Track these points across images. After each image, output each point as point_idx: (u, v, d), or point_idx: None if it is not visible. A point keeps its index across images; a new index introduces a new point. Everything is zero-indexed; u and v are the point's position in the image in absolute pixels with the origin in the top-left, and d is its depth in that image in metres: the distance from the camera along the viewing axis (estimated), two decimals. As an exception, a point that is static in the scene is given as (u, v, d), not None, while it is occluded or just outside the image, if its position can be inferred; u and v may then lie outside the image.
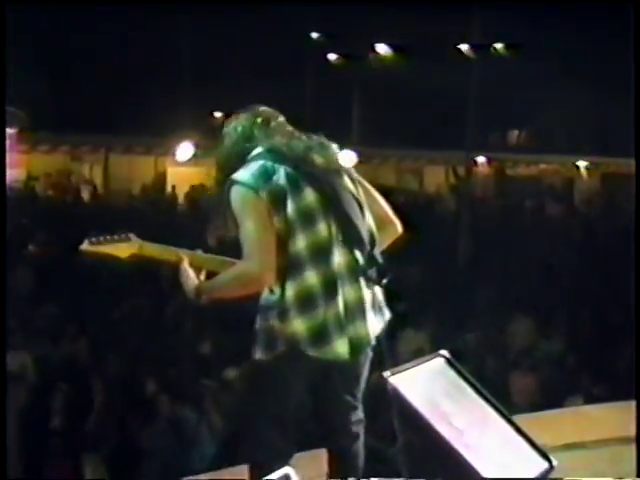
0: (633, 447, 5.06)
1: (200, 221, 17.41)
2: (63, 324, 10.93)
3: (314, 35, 23.94)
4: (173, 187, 22.92)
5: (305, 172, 3.39)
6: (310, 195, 3.38)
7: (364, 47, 23.56)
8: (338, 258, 3.36)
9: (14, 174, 23.07)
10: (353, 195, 3.45)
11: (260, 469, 3.25)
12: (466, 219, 17.87)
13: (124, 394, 8.94)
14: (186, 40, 21.71)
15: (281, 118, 3.66)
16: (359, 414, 3.62)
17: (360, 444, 3.62)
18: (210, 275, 3.59)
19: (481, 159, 24.90)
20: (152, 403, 8.51)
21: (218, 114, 25.57)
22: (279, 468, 3.05)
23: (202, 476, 4.57)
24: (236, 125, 3.62)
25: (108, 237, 3.61)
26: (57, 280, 12.77)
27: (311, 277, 3.32)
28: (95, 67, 21.11)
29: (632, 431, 5.24)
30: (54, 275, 13.07)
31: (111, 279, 13.12)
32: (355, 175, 3.54)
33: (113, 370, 9.43)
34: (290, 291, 3.32)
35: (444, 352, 4.63)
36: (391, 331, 3.65)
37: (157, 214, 18.59)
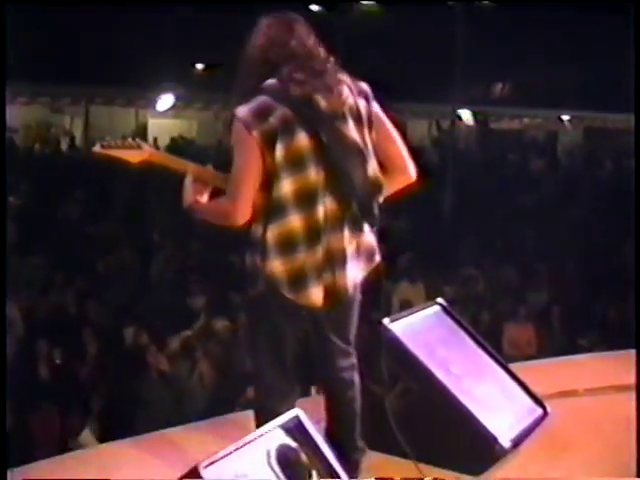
0: (626, 395, 5.10)
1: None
2: (49, 275, 10.90)
3: (297, -15, 23.72)
4: (155, 139, 22.76)
5: (304, 115, 3.30)
6: (303, 140, 3.29)
7: (347, -2, 23.40)
8: (325, 206, 3.31)
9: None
10: (354, 142, 3.35)
11: (266, 413, 3.24)
12: (449, 172, 17.85)
13: (113, 345, 8.94)
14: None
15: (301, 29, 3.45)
16: (352, 359, 3.57)
17: (356, 390, 3.58)
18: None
19: (465, 112, 24.84)
20: (142, 354, 8.52)
21: (200, 65, 25.39)
22: (284, 412, 3.05)
23: (203, 422, 4.55)
24: (255, 41, 3.46)
25: (119, 142, 3.57)
26: (40, 232, 12.69)
27: (294, 221, 3.28)
28: (77, 17, 20.83)
29: (625, 380, 5.27)
30: (37, 227, 12.99)
31: (97, 229, 13.10)
32: (371, 116, 3.41)
33: (101, 321, 9.42)
34: (271, 232, 3.30)
35: (441, 300, 4.65)
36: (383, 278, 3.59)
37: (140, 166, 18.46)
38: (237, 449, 2.72)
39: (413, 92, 22.48)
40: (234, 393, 7.38)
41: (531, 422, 4.37)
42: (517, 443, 4.15)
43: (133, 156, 3.56)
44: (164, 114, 23.77)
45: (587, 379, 5.33)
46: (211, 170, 3.57)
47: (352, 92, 3.38)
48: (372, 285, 3.57)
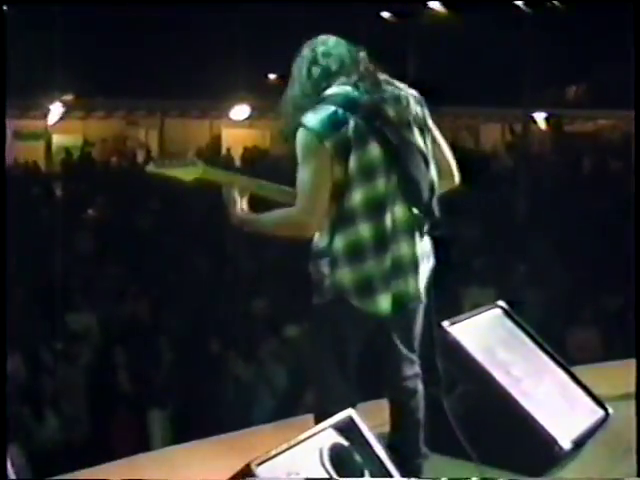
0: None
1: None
2: (125, 285, 11.12)
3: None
4: (228, 149, 23.00)
5: (374, 125, 3.32)
6: (375, 150, 3.32)
7: (417, 4, 23.33)
8: (394, 214, 3.34)
9: (71, 140, 23.41)
10: (420, 149, 3.40)
11: (325, 417, 3.29)
12: (523, 176, 17.72)
13: (188, 351, 9.09)
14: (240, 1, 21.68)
15: (362, 53, 3.53)
16: (416, 368, 3.59)
17: (419, 399, 3.60)
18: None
19: (538, 116, 24.61)
20: (215, 360, 8.66)
21: (272, 75, 25.58)
22: None
23: (267, 425, 4.65)
24: (308, 56, 3.50)
25: (173, 160, 3.66)
26: (117, 242, 12.95)
27: (363, 230, 3.31)
28: (150, 31, 21.18)
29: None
30: (114, 238, 13.26)
31: (171, 239, 13.32)
32: (428, 122, 3.49)
33: (176, 328, 9.59)
34: (340, 242, 3.33)
35: (501, 303, 4.67)
36: (444, 283, 3.63)
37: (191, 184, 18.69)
38: (290, 448, 2.78)
39: (485, 97, 22.39)
40: (304, 398, 7.46)
41: (592, 424, 4.37)
42: (578, 445, 4.16)
43: (187, 174, 3.59)
44: (238, 124, 24.00)
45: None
46: (263, 182, 3.63)
47: (413, 100, 3.44)
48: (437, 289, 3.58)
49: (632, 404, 4.93)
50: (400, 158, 3.33)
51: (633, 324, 9.94)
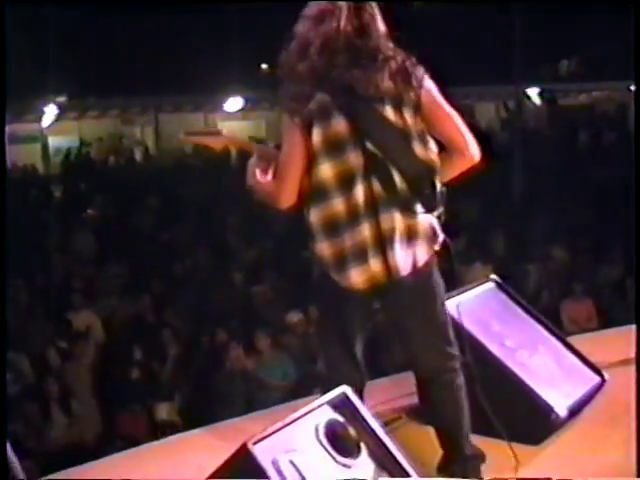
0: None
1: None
2: (128, 283, 11.18)
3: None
4: (224, 142, 23.01)
5: (341, 100, 3.32)
6: (340, 124, 3.32)
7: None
8: (368, 189, 3.32)
9: (67, 142, 23.45)
10: (394, 125, 3.32)
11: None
12: (519, 152, 17.74)
13: (192, 344, 9.17)
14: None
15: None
16: (452, 363, 3.54)
17: (455, 397, 3.54)
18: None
19: (532, 91, 24.61)
20: (219, 351, 8.73)
21: (265, 65, 25.56)
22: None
23: (279, 407, 4.71)
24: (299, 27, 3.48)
25: (202, 130, 3.82)
26: (118, 241, 13.01)
27: (336, 205, 3.32)
28: (138, 25, 21.18)
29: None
30: (115, 236, 13.32)
31: (170, 235, 13.38)
32: (409, 96, 3.35)
33: (179, 323, 9.66)
34: (315, 216, 3.36)
35: (494, 276, 4.72)
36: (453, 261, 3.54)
37: (211, 170, 18.75)
38: (286, 425, 2.83)
39: (478, 75, 22.38)
40: (310, 384, 7.53)
41: (588, 390, 4.42)
42: (575, 412, 4.22)
43: (215, 143, 3.69)
44: (232, 116, 24.02)
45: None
46: (274, 150, 3.62)
47: (393, 77, 3.35)
48: (444, 270, 3.53)
49: (629, 369, 5.00)
50: (369, 133, 3.31)
51: (628, 293, 10.06)
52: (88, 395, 8.29)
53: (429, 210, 3.35)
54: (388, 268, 3.34)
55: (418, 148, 3.34)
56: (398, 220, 3.32)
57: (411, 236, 3.35)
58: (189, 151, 22.06)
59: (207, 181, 16.85)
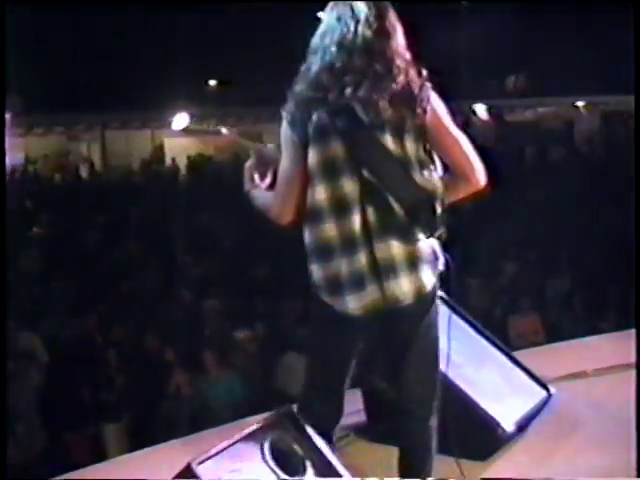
0: (631, 373, 5.16)
1: (204, 189, 17.63)
2: (73, 301, 11.05)
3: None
4: (173, 159, 22.93)
5: (340, 122, 3.22)
6: (336, 148, 3.23)
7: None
8: (364, 215, 3.23)
9: (13, 158, 23.18)
10: (392, 152, 3.22)
11: (306, 412, 3.27)
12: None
13: (138, 364, 9.07)
14: (177, 8, 21.61)
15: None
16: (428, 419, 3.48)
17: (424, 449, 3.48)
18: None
19: (479, 107, 24.86)
20: (166, 370, 8.65)
21: (212, 82, 25.57)
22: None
23: (225, 426, 4.67)
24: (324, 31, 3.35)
25: (205, 127, 3.69)
26: (63, 259, 12.86)
27: (330, 229, 3.25)
28: (84, 42, 21.06)
29: (631, 358, 5.33)
30: (60, 255, 13.16)
31: (118, 253, 13.26)
32: (409, 123, 3.25)
33: (125, 341, 9.56)
34: (309, 237, 3.30)
35: (440, 292, 4.72)
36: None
37: (159, 187, 18.67)
38: (231, 445, 2.80)
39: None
40: (257, 402, 7.50)
41: (535, 405, 4.45)
42: (522, 427, 4.23)
43: (215, 139, 3.65)
44: (180, 133, 23.95)
45: (596, 360, 5.39)
46: (276, 153, 3.50)
47: (395, 101, 3.24)
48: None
49: (575, 383, 5.05)
50: (366, 161, 3.23)
51: (576, 307, 10.14)
52: (32, 416, 8.16)
53: (429, 235, 3.27)
54: (388, 296, 3.26)
55: (418, 176, 3.25)
56: (397, 248, 3.25)
57: (413, 262, 3.28)
58: (136, 168, 21.96)
59: (154, 198, 16.75)
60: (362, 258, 3.24)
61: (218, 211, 14.98)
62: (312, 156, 3.24)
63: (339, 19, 3.31)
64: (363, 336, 3.39)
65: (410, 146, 3.25)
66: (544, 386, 4.61)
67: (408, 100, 3.24)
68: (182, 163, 22.38)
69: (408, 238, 3.25)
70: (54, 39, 20.37)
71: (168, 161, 23.47)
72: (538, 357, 5.52)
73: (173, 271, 12.22)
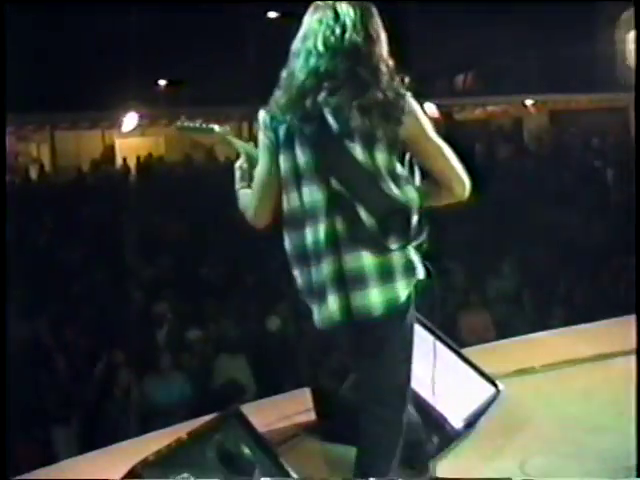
0: (580, 367, 5.24)
1: (154, 190, 17.52)
2: (22, 304, 10.93)
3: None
4: (124, 159, 22.77)
5: (309, 128, 3.16)
6: (304, 156, 3.19)
7: (304, 3, 23.38)
8: (330, 225, 3.16)
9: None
10: (361, 162, 3.13)
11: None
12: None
13: (87, 367, 9.01)
14: (127, 9, 21.46)
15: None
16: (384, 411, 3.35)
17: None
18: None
19: (428, 106, 24.96)
20: (116, 372, 8.59)
21: (162, 81, 25.42)
22: None
23: (174, 427, 4.65)
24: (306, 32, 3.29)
25: (197, 125, 3.71)
26: (13, 261, 12.70)
27: (304, 236, 3.21)
28: (32, 42, 20.82)
29: (580, 353, 5.41)
30: (9, 256, 12.99)
31: (66, 258, 13.15)
32: (396, 135, 3.17)
33: (74, 345, 9.49)
34: (287, 243, 3.27)
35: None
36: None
37: (110, 187, 18.52)
38: (178, 446, 2.79)
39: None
40: (210, 403, 7.47)
41: (483, 402, 4.47)
42: (470, 423, 4.26)
43: (205, 138, 3.72)
44: (130, 133, 23.79)
45: (544, 355, 5.45)
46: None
47: (369, 110, 3.14)
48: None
49: (523, 380, 5.10)
50: (334, 170, 3.16)
51: (525, 304, 10.24)
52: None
53: (404, 245, 3.18)
54: (354, 307, 3.18)
55: (389, 188, 3.16)
56: (367, 258, 3.17)
57: (386, 273, 3.19)
58: (86, 168, 21.76)
59: (104, 198, 16.61)
60: (325, 268, 3.18)
61: (169, 211, 14.92)
62: (282, 162, 3.21)
63: (320, 22, 3.24)
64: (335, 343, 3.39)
65: (381, 157, 3.16)
66: (493, 382, 4.64)
67: (384, 109, 3.15)
68: (133, 163, 22.26)
69: (379, 248, 3.16)
70: (3, 39, 20.11)
71: (119, 161, 23.32)
72: (487, 353, 5.56)
73: (123, 272, 12.13)
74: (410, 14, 19.65)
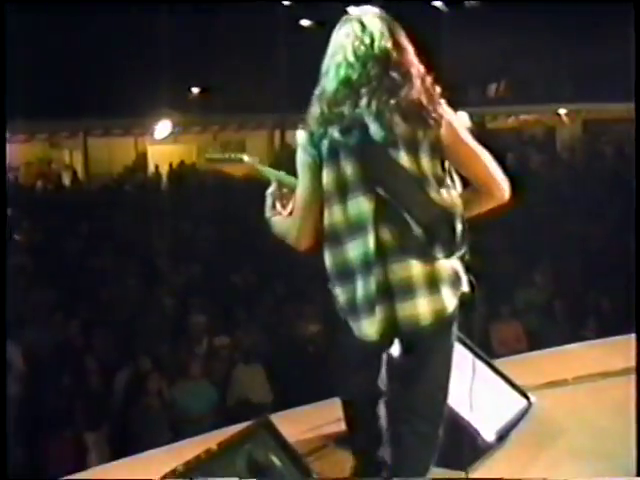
0: (613, 380, 5.18)
1: (185, 197, 17.60)
2: (54, 309, 10.99)
3: (286, 3, 23.92)
4: (156, 166, 22.87)
5: (352, 140, 3.14)
6: (350, 168, 3.15)
7: (336, 11, 23.42)
8: (378, 235, 3.14)
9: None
10: (407, 169, 3.12)
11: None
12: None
13: (120, 372, 9.04)
14: (159, 16, 21.58)
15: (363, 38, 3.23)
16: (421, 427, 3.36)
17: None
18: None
19: (461, 115, 24.88)
20: (146, 379, 8.61)
21: (195, 89, 25.53)
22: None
23: (204, 435, 4.65)
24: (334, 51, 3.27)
25: (225, 155, 3.70)
26: (45, 267, 12.79)
27: (349, 250, 3.18)
28: (67, 49, 20.98)
29: (613, 365, 5.36)
30: (42, 262, 13.09)
31: (99, 261, 13.21)
32: (439, 139, 3.15)
33: (106, 350, 9.52)
34: (328, 260, 3.23)
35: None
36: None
37: (142, 194, 18.60)
38: (208, 456, 2.78)
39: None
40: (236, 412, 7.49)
41: (515, 414, 4.44)
42: (502, 436, 4.22)
43: (235, 169, 3.67)
44: (163, 140, 23.90)
45: (576, 367, 5.41)
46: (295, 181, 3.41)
47: (408, 115, 3.15)
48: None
49: (555, 392, 5.06)
50: (380, 179, 3.13)
51: (557, 315, 10.16)
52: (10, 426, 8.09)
53: (450, 254, 3.15)
54: (402, 317, 3.16)
55: (435, 193, 3.14)
56: (415, 267, 3.15)
57: (433, 283, 3.17)
58: (118, 175, 21.87)
59: (136, 205, 16.70)
60: (374, 279, 3.14)
61: (200, 218, 14.95)
62: (326, 176, 3.18)
63: (348, 35, 3.24)
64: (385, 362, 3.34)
65: (426, 162, 3.14)
66: (524, 395, 4.60)
67: (421, 114, 3.14)
68: (164, 170, 22.35)
69: (427, 257, 3.14)
70: (36, 44, 20.27)
71: (151, 169, 23.43)
72: (519, 365, 5.52)
73: (155, 279, 12.17)
74: (443, 23, 19.61)
